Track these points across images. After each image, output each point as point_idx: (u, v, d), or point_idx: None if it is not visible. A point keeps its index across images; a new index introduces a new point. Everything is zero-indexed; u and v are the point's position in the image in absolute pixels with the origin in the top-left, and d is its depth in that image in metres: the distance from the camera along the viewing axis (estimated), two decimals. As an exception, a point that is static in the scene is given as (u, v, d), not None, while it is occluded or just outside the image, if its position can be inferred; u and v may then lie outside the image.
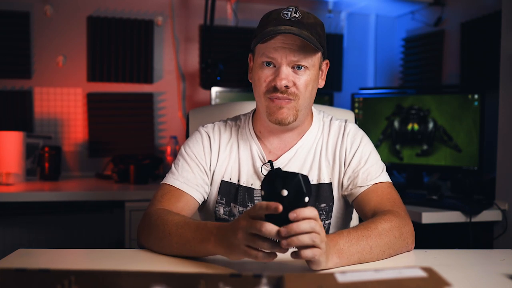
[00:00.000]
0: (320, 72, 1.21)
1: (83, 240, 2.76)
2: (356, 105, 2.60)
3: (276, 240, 0.85)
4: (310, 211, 0.84)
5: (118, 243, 2.72)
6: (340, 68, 3.19)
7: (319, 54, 1.16)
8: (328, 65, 1.24)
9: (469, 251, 1.19)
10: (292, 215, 0.83)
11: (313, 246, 0.85)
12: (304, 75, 1.13)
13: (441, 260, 1.06)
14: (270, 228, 0.83)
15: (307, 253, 0.86)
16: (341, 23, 3.21)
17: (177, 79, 2.96)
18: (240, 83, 2.91)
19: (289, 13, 1.13)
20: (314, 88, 1.18)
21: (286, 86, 1.12)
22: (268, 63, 1.14)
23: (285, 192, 0.82)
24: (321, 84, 1.23)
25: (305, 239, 0.84)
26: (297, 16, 1.12)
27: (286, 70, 1.12)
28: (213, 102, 2.70)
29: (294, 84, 1.13)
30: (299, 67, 1.13)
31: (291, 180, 0.83)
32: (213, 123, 1.31)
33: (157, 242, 1.06)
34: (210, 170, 1.24)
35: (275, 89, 1.12)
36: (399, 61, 3.18)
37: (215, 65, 2.66)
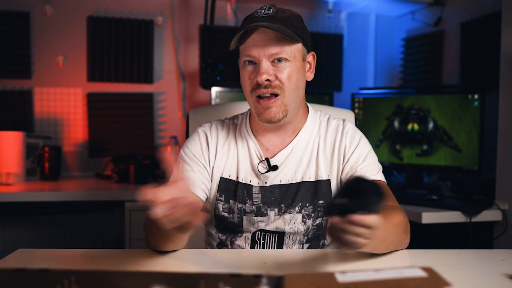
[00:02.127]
0: (308, 65, 1.23)
1: (83, 240, 2.76)
2: (356, 105, 2.60)
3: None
4: (370, 219, 0.82)
5: (118, 243, 2.72)
6: (340, 68, 3.19)
7: (299, 46, 1.17)
8: (315, 57, 1.25)
9: (469, 251, 1.19)
10: (355, 217, 0.81)
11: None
12: (285, 67, 1.15)
13: (441, 260, 1.06)
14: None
15: (350, 238, 0.84)
16: (341, 23, 3.21)
17: (177, 79, 2.96)
18: (240, 83, 2.91)
19: (263, 10, 1.16)
20: (299, 80, 1.18)
21: (268, 80, 1.13)
22: (249, 62, 1.16)
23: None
24: (310, 77, 1.24)
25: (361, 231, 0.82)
26: (270, 12, 1.15)
27: (265, 65, 1.14)
28: (213, 102, 2.70)
29: (276, 77, 1.14)
30: (279, 59, 1.14)
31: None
32: (210, 122, 1.32)
33: (158, 241, 1.07)
34: (209, 166, 1.26)
35: (258, 85, 1.15)
36: (399, 61, 3.18)
37: (215, 65, 2.66)
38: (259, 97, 1.16)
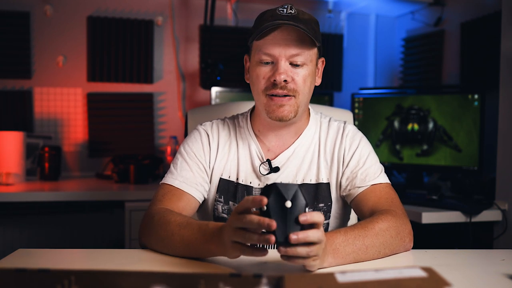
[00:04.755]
0: (317, 70, 1.22)
1: (83, 240, 2.76)
2: (356, 105, 2.60)
3: (261, 231, 0.84)
4: (318, 216, 0.84)
5: (118, 243, 2.72)
6: (340, 68, 3.19)
7: (315, 50, 1.17)
8: (324, 63, 1.25)
9: (469, 251, 1.19)
10: (302, 218, 0.82)
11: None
12: (302, 70, 1.14)
13: (441, 260, 1.06)
14: (252, 218, 0.82)
15: (299, 262, 0.86)
16: (341, 23, 3.21)
17: (177, 79, 2.96)
18: (240, 83, 2.91)
19: (285, 10, 1.14)
20: (312, 83, 1.18)
21: (285, 81, 1.12)
22: (266, 61, 1.14)
23: (288, 204, 0.82)
24: (318, 81, 1.24)
25: (302, 252, 0.84)
26: (292, 12, 1.13)
27: (284, 65, 1.12)
28: (213, 102, 2.70)
29: (293, 79, 1.13)
30: (297, 62, 1.13)
31: (291, 192, 0.83)
32: (211, 121, 1.31)
33: (159, 242, 1.06)
34: (209, 167, 1.25)
35: (274, 85, 1.13)
36: (399, 61, 3.18)
37: (215, 65, 2.66)
38: (273, 94, 1.14)
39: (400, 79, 3.17)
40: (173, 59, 2.95)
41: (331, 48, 3.15)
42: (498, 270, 0.97)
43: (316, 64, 1.20)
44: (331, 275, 0.70)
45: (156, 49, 2.92)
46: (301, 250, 0.83)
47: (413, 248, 1.12)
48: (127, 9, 2.87)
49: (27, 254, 1.04)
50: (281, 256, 0.86)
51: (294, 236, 0.81)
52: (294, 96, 1.14)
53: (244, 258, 0.93)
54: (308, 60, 1.14)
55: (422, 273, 0.70)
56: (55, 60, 2.78)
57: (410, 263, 1.04)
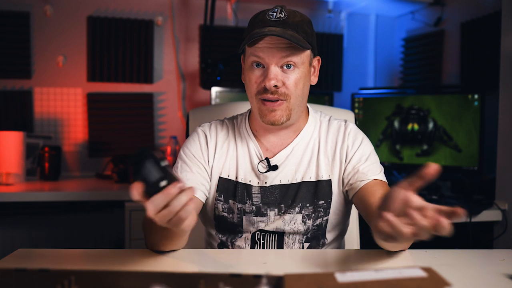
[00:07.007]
0: (312, 69, 1.22)
1: (83, 240, 2.76)
2: (356, 105, 2.60)
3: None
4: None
5: (118, 243, 2.73)
6: (340, 68, 3.19)
7: (308, 52, 1.17)
8: (320, 61, 1.25)
9: (469, 251, 1.19)
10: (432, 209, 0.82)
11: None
12: (293, 74, 1.14)
13: (441, 260, 1.06)
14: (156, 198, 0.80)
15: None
16: (341, 23, 3.21)
17: (177, 79, 2.96)
18: (240, 83, 2.90)
19: (274, 14, 1.13)
20: (305, 85, 1.18)
21: (276, 86, 1.12)
22: (258, 64, 1.14)
23: (163, 183, 0.78)
24: (314, 81, 1.24)
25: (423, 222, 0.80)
26: (282, 16, 1.13)
27: (274, 70, 1.12)
28: (213, 102, 2.70)
29: (284, 83, 1.13)
30: (288, 65, 1.13)
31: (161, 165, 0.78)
32: (210, 122, 1.31)
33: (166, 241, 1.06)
34: (209, 166, 1.25)
35: (265, 90, 1.13)
36: (399, 61, 3.18)
37: (215, 65, 2.66)
38: (264, 99, 1.15)
39: (400, 79, 3.17)
40: (173, 59, 2.95)
41: (331, 48, 3.15)
42: (498, 270, 0.98)
43: (311, 64, 1.20)
44: (331, 275, 0.70)
45: (156, 49, 2.92)
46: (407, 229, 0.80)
47: (413, 248, 1.12)
48: (127, 9, 2.87)
49: (27, 254, 1.04)
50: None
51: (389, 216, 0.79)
52: (285, 100, 1.14)
53: (244, 258, 0.93)
54: (300, 63, 1.14)
55: (422, 273, 0.70)
56: (55, 60, 2.78)
57: (410, 263, 1.04)
